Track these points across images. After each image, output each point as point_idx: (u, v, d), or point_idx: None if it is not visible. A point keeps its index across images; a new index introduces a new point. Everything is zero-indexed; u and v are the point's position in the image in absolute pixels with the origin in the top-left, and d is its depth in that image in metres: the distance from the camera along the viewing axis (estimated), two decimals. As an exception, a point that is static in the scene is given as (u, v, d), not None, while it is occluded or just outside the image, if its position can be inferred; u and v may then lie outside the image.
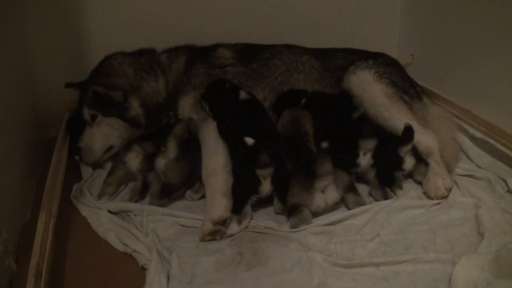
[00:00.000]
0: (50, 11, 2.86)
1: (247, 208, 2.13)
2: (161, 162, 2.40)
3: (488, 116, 2.68)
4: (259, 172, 2.12)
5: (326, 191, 2.14)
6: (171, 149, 2.41)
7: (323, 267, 1.81)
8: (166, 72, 2.77)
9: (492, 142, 2.54)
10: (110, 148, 2.64)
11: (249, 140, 2.14)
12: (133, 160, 2.46)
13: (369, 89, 2.62)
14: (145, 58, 2.75)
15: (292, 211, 2.10)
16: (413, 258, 1.84)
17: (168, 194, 2.30)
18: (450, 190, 2.27)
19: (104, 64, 2.68)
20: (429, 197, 2.27)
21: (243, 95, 2.53)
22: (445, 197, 2.25)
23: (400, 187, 2.31)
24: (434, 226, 2.06)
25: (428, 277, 1.78)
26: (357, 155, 2.33)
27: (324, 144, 2.24)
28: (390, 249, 1.93)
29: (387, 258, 1.85)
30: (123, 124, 2.59)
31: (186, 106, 2.71)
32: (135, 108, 2.61)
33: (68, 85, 2.67)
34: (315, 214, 2.16)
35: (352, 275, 1.79)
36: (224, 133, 2.39)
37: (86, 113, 2.59)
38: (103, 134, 2.60)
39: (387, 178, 2.33)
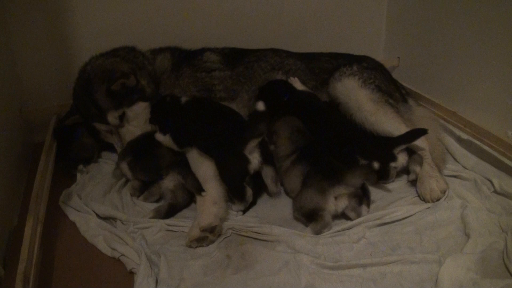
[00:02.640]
0: (36, 15, 2.86)
1: (249, 191, 2.20)
2: (169, 184, 2.32)
3: (473, 117, 2.70)
4: (251, 143, 2.16)
5: (339, 199, 2.10)
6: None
7: (310, 269, 1.82)
8: (152, 63, 2.79)
9: (478, 143, 2.56)
10: None
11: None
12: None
13: (355, 95, 2.63)
14: (123, 51, 2.77)
15: (311, 217, 2.08)
16: (400, 259, 1.85)
17: (173, 214, 2.27)
18: (444, 192, 2.27)
19: (89, 70, 2.62)
20: (424, 200, 2.27)
21: (183, 99, 2.55)
22: (440, 199, 2.25)
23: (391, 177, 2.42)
24: (420, 227, 2.07)
25: (414, 277, 1.79)
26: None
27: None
28: (377, 250, 1.94)
29: (374, 259, 1.86)
30: (145, 106, 2.62)
31: None
32: (147, 85, 2.65)
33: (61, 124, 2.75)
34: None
35: (339, 277, 1.80)
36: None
37: (114, 117, 2.57)
38: (136, 126, 2.63)
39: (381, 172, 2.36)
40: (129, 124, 2.62)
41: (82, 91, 2.61)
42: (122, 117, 2.59)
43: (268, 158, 2.26)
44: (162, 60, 2.83)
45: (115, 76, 2.51)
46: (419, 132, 2.39)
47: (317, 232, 2.04)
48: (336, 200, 2.09)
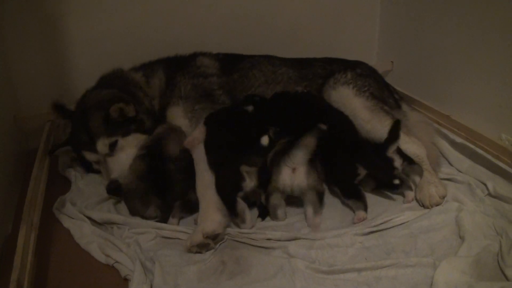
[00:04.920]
0: (30, 23, 2.86)
1: (240, 204, 2.14)
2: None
3: (467, 121, 2.72)
4: (245, 168, 2.17)
5: (296, 170, 2.17)
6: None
7: (305, 274, 1.82)
8: (146, 89, 2.76)
9: (472, 146, 2.57)
10: None
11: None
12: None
13: (349, 104, 2.63)
14: (117, 80, 2.71)
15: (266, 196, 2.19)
16: (395, 262, 1.85)
17: (189, 210, 2.28)
18: (444, 197, 2.27)
19: (87, 101, 2.57)
20: (423, 206, 2.26)
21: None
22: (439, 204, 2.24)
23: (410, 188, 2.35)
24: (415, 231, 2.07)
25: (409, 281, 1.79)
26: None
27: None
28: (371, 254, 1.94)
29: (369, 264, 1.86)
30: (142, 138, 2.54)
31: (176, 115, 2.69)
32: (146, 118, 2.59)
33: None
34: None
35: (334, 281, 1.80)
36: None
37: (104, 145, 2.44)
38: (128, 155, 2.47)
39: (387, 182, 2.34)
40: (120, 153, 2.49)
41: (77, 119, 2.55)
42: (113, 146, 2.46)
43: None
44: (159, 82, 2.80)
45: (115, 101, 2.45)
46: (396, 125, 2.39)
47: (272, 210, 2.16)
48: (294, 172, 2.17)
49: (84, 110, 2.52)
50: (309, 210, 2.16)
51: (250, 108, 2.60)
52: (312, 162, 2.23)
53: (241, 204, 2.14)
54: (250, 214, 2.16)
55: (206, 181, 2.24)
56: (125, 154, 2.48)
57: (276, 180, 2.17)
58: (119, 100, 2.46)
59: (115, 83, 2.69)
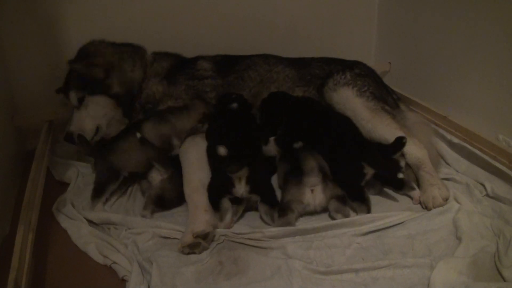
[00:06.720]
0: (28, 22, 2.86)
1: (225, 203, 2.16)
2: (155, 178, 2.42)
3: (464, 122, 2.72)
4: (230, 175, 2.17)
5: (314, 191, 2.19)
6: (161, 169, 2.42)
7: (302, 275, 1.82)
8: (147, 69, 2.84)
9: (469, 147, 2.58)
10: (97, 130, 2.73)
11: (221, 150, 2.18)
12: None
13: (350, 105, 2.64)
14: (127, 48, 2.84)
15: (281, 212, 2.15)
16: (392, 263, 1.85)
17: (162, 205, 2.34)
18: (447, 199, 2.26)
19: (81, 49, 2.77)
20: (426, 208, 2.26)
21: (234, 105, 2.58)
22: (442, 206, 2.24)
23: (413, 188, 2.35)
24: (412, 231, 2.07)
25: (406, 282, 1.79)
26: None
27: (297, 145, 2.28)
28: (369, 255, 1.94)
29: (366, 264, 1.86)
30: (109, 101, 2.70)
31: None
32: (117, 85, 2.69)
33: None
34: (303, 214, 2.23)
35: (331, 282, 1.80)
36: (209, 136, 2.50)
37: (73, 97, 2.68)
38: (90, 115, 2.70)
39: (394, 182, 2.35)
40: (84, 110, 2.69)
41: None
42: (81, 100, 2.68)
43: (264, 196, 2.24)
44: (160, 69, 2.86)
45: (81, 62, 2.65)
46: (400, 140, 2.37)
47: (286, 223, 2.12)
48: (313, 193, 2.20)
49: (74, 57, 2.73)
50: (339, 216, 2.17)
51: (234, 105, 2.58)
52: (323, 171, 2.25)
53: (226, 205, 2.16)
54: (231, 216, 2.17)
55: (193, 184, 2.27)
56: (87, 112, 2.70)
57: (302, 199, 2.19)
58: (90, 63, 2.63)
59: (121, 48, 2.82)
